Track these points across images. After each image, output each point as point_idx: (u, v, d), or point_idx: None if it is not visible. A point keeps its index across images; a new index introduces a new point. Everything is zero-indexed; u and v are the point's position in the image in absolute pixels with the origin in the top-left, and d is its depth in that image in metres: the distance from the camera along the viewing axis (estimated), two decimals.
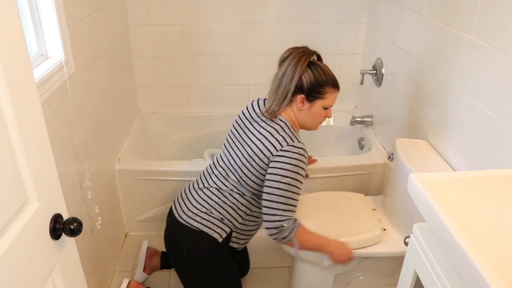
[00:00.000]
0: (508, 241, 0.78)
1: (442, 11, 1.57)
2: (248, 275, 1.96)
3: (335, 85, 1.48)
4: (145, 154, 2.32)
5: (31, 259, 0.79)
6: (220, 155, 1.62)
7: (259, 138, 1.47)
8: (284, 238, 1.43)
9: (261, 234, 2.22)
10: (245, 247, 1.92)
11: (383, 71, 2.20)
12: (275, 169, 1.41)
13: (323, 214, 1.73)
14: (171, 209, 1.62)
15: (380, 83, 2.24)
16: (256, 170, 1.46)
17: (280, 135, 1.44)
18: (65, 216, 0.91)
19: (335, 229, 1.65)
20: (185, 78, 2.56)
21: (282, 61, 1.48)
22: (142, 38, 2.42)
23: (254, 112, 1.56)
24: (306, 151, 1.44)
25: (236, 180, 1.52)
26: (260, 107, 1.56)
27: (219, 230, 1.50)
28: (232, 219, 1.53)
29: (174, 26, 2.40)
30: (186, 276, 1.59)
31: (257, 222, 1.61)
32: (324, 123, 2.66)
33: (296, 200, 1.44)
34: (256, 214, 1.57)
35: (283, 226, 1.42)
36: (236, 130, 1.57)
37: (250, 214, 1.56)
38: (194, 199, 1.56)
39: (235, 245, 1.57)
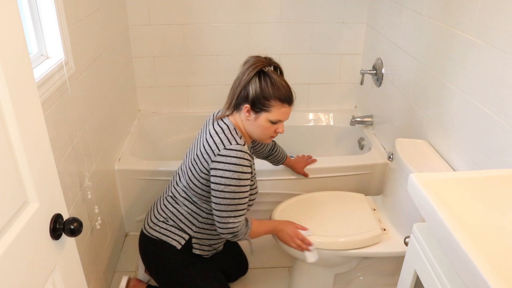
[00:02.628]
0: (508, 241, 0.78)
1: (442, 11, 1.57)
2: (248, 275, 1.96)
3: (284, 99, 1.40)
4: (145, 154, 2.32)
5: (31, 259, 0.79)
6: (180, 166, 1.63)
7: (203, 140, 1.46)
8: (239, 239, 1.49)
9: None
10: (239, 247, 1.92)
11: (383, 71, 2.20)
12: (216, 177, 1.38)
13: (323, 214, 1.73)
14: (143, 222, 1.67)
15: (380, 83, 2.24)
16: (197, 173, 1.45)
17: (219, 137, 1.41)
18: (65, 216, 0.91)
19: (335, 229, 1.65)
20: (185, 78, 2.56)
21: (241, 67, 1.45)
22: (142, 38, 2.42)
23: (211, 118, 1.54)
24: (245, 152, 1.39)
25: (185, 185, 1.52)
26: (216, 115, 1.54)
27: (176, 238, 1.52)
28: (185, 227, 1.53)
29: (174, 26, 2.40)
30: (160, 284, 1.64)
31: (214, 231, 1.57)
32: (324, 123, 2.67)
33: (245, 203, 1.43)
34: (210, 222, 1.54)
35: (237, 232, 1.45)
36: (195, 138, 1.57)
37: (203, 222, 1.54)
38: (157, 210, 1.59)
39: (198, 252, 1.56)
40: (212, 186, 1.40)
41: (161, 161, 2.16)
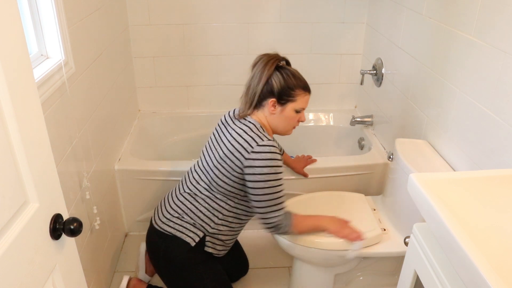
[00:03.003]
0: (508, 241, 0.78)
1: (442, 11, 1.57)
2: (248, 275, 1.96)
3: (305, 87, 1.49)
4: (145, 154, 2.32)
5: (31, 259, 0.79)
6: (198, 161, 1.63)
7: (229, 139, 1.48)
8: (284, 232, 1.51)
9: (261, 234, 2.22)
10: (240, 247, 1.92)
11: (383, 71, 2.20)
12: (254, 175, 1.41)
13: (323, 214, 1.72)
14: (152, 215, 1.66)
15: (380, 83, 2.24)
16: (227, 171, 1.46)
17: (249, 135, 1.44)
18: (65, 216, 0.91)
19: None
20: (185, 78, 2.56)
21: (253, 66, 1.50)
22: (142, 38, 2.42)
23: (229, 118, 1.57)
24: (276, 147, 1.45)
25: (207, 183, 1.53)
26: (235, 114, 1.57)
27: (191, 234, 1.52)
28: (204, 224, 1.53)
29: (174, 26, 2.40)
30: (167, 281, 1.63)
31: (232, 228, 1.59)
32: (324, 123, 2.67)
33: (283, 195, 1.47)
34: (229, 219, 1.56)
35: (280, 224, 1.47)
36: (213, 136, 1.59)
37: (223, 219, 1.54)
38: (170, 205, 1.59)
39: (210, 250, 1.56)
40: (250, 184, 1.43)
41: (161, 161, 2.16)
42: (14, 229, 0.74)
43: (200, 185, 1.55)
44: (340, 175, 2.10)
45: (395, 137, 1.83)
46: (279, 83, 1.45)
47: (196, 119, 2.63)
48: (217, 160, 1.49)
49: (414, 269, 0.99)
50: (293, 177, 2.06)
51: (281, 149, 1.89)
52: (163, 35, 2.42)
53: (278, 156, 1.43)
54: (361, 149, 2.42)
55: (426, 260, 0.92)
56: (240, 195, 1.52)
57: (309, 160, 2.06)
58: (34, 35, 1.37)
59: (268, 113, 1.49)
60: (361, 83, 2.39)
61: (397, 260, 1.77)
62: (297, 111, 1.50)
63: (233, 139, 1.46)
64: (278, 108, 1.48)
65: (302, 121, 1.55)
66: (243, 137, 1.44)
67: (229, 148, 1.46)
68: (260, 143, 1.41)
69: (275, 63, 1.46)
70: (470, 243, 0.72)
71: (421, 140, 1.73)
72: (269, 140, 1.44)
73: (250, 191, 1.45)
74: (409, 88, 1.88)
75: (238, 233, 1.66)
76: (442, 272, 0.86)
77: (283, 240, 1.63)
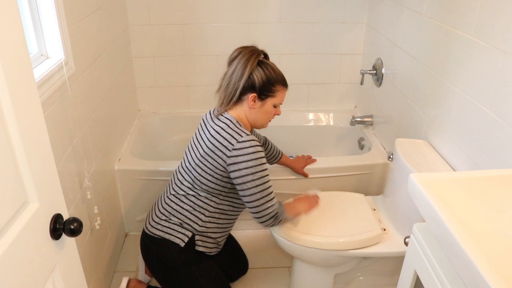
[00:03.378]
0: (508, 241, 0.78)
1: (442, 11, 1.57)
2: (248, 275, 1.96)
3: (284, 83, 1.51)
4: (145, 154, 2.32)
5: (31, 259, 0.79)
6: (181, 162, 1.64)
7: (208, 138, 1.48)
8: (281, 220, 1.52)
9: (261, 234, 2.22)
10: (239, 246, 1.92)
11: (383, 71, 2.20)
12: (239, 171, 1.41)
13: (323, 214, 1.73)
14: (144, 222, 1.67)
15: (380, 83, 2.24)
16: (210, 169, 1.47)
17: (227, 132, 1.44)
18: (65, 216, 0.91)
19: (335, 229, 1.65)
20: (185, 78, 2.56)
21: (231, 61, 1.48)
22: (142, 38, 2.42)
23: (209, 116, 1.58)
24: (256, 140, 1.45)
25: (191, 181, 1.53)
26: (215, 113, 1.57)
27: (179, 235, 1.52)
28: (191, 223, 1.53)
29: (174, 26, 2.40)
30: (164, 284, 1.63)
31: (220, 225, 1.59)
32: (324, 123, 2.67)
33: (271, 185, 1.48)
34: (216, 215, 1.56)
35: (276, 213, 1.49)
36: (195, 135, 1.59)
37: (210, 216, 1.55)
38: (158, 209, 1.60)
39: (202, 249, 1.56)
40: (238, 180, 1.43)
41: (161, 161, 2.16)
42: (14, 229, 0.74)
43: (184, 185, 1.55)
44: (340, 175, 2.10)
45: (395, 137, 1.83)
46: (261, 78, 1.45)
47: (196, 119, 2.61)
48: (198, 159, 1.50)
49: (414, 269, 0.99)
50: (293, 177, 2.06)
51: (263, 141, 1.90)
52: (163, 35, 2.42)
53: (259, 148, 1.44)
54: (361, 149, 2.42)
55: (426, 260, 0.92)
56: (224, 191, 1.53)
57: (309, 160, 2.06)
58: (34, 35, 1.37)
59: (247, 107, 1.50)
60: (361, 83, 2.39)
61: (397, 260, 1.77)
62: (275, 106, 1.52)
63: (212, 137, 1.47)
64: (258, 103, 1.49)
65: (278, 115, 1.57)
66: (222, 134, 1.45)
67: (209, 147, 1.46)
68: (239, 140, 1.42)
69: (257, 58, 1.46)
70: (470, 243, 0.72)
71: (421, 140, 1.73)
72: (248, 135, 1.44)
73: (240, 187, 1.45)
74: (409, 88, 1.88)
75: (229, 230, 1.66)
76: (442, 272, 0.86)
77: (283, 240, 1.63)
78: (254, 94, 1.46)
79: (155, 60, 2.49)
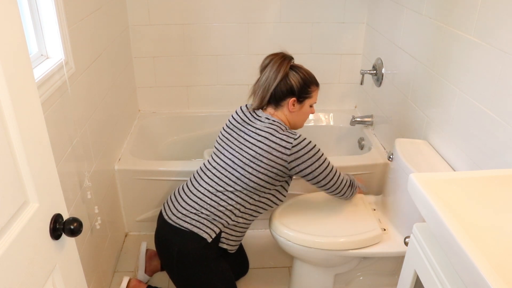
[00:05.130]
0: (508, 241, 0.78)
1: (442, 11, 1.57)
2: (248, 275, 1.96)
3: (317, 83, 1.62)
4: (145, 154, 2.32)
5: (31, 259, 0.79)
6: (212, 157, 1.63)
7: (259, 139, 1.50)
8: (355, 188, 1.70)
9: (261, 234, 2.22)
10: (242, 247, 1.92)
11: (383, 71, 2.20)
12: (305, 163, 1.49)
13: (323, 214, 1.73)
14: (161, 211, 1.64)
15: (380, 83, 2.24)
16: (265, 169, 1.49)
17: (280, 134, 1.50)
18: (65, 216, 0.91)
19: (335, 229, 1.65)
20: (185, 78, 2.56)
21: (263, 68, 1.56)
22: (142, 38, 2.42)
23: (245, 116, 1.60)
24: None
25: (234, 179, 1.52)
26: (250, 111, 1.62)
27: (208, 230, 1.52)
28: (224, 217, 1.53)
29: (174, 26, 2.40)
30: (177, 277, 1.61)
31: (248, 221, 1.60)
32: (324, 123, 2.67)
33: (334, 165, 1.59)
34: (249, 212, 1.57)
35: (351, 181, 1.66)
36: (229, 134, 1.60)
37: (244, 212, 1.56)
38: (184, 200, 1.57)
39: (224, 246, 1.57)
40: (310, 175, 1.52)
41: (161, 161, 2.16)
42: (14, 229, 0.74)
43: (223, 181, 1.54)
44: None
45: (395, 137, 1.83)
46: (298, 82, 1.54)
47: (196, 119, 2.63)
48: (248, 159, 1.50)
49: (414, 269, 0.99)
50: (294, 177, 2.05)
51: None
52: (163, 35, 2.42)
53: (312, 141, 1.54)
54: (361, 149, 2.42)
55: (426, 260, 0.92)
56: (268, 189, 1.55)
57: None
58: (34, 35, 1.37)
59: (288, 111, 1.58)
60: (361, 83, 2.39)
61: (397, 260, 1.77)
62: (310, 106, 1.62)
63: (265, 139, 1.50)
64: (297, 106, 1.57)
65: (313, 113, 1.67)
66: (276, 136, 1.49)
67: (264, 148, 1.49)
68: (295, 137, 1.49)
69: (289, 63, 1.55)
70: (470, 243, 0.72)
71: (421, 140, 1.73)
72: (299, 134, 1.53)
73: (311, 177, 1.54)
74: (409, 88, 1.88)
75: (249, 227, 1.67)
76: (442, 272, 0.86)
77: (283, 240, 1.63)
78: (294, 98, 1.55)
79: (155, 60, 2.49)
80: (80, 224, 0.88)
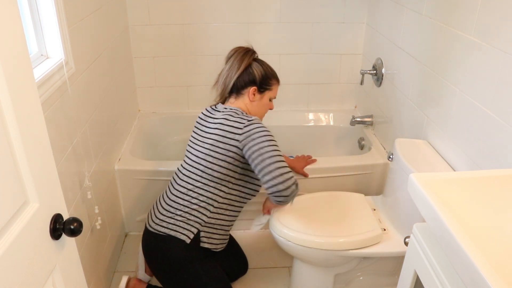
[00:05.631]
0: (508, 241, 0.78)
1: (442, 11, 1.57)
2: (248, 275, 1.96)
3: (278, 78, 1.66)
4: (145, 154, 2.32)
5: (31, 259, 0.79)
6: (184, 160, 1.66)
7: (215, 127, 1.54)
8: (297, 186, 1.51)
9: (261, 233, 2.22)
10: (239, 246, 1.92)
11: (383, 71, 2.20)
12: (255, 141, 1.46)
13: (323, 214, 1.73)
14: (145, 221, 1.67)
15: (380, 83, 2.24)
16: (222, 154, 1.50)
17: (235, 118, 1.53)
18: (65, 216, 0.91)
19: (335, 229, 1.65)
20: (185, 78, 2.56)
21: (228, 58, 1.62)
22: (142, 38, 2.42)
23: (207, 112, 1.66)
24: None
25: (199, 173, 1.54)
26: (211, 107, 1.68)
27: (185, 232, 1.53)
28: (199, 215, 1.54)
29: (174, 26, 2.40)
30: (167, 282, 1.63)
31: (225, 217, 1.60)
32: (324, 123, 2.67)
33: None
34: (224, 207, 1.57)
35: (295, 181, 1.49)
36: (194, 134, 1.65)
37: (218, 207, 1.56)
38: (162, 206, 1.60)
39: (206, 245, 1.57)
40: (256, 153, 1.46)
41: (161, 161, 2.16)
42: (14, 229, 0.74)
43: (191, 178, 1.56)
44: (340, 175, 2.10)
45: (395, 137, 1.83)
46: (260, 72, 1.59)
47: (196, 119, 2.62)
48: (207, 149, 1.53)
49: (414, 269, 0.99)
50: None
51: None
52: (163, 35, 2.42)
53: (268, 130, 1.51)
54: (361, 149, 2.42)
55: (426, 260, 0.92)
56: (234, 178, 1.55)
57: (309, 160, 2.06)
58: (34, 35, 1.37)
59: (248, 100, 1.61)
60: (361, 83, 2.39)
61: (397, 260, 1.77)
62: (270, 99, 1.65)
63: (220, 124, 1.53)
64: (258, 95, 1.61)
65: (271, 109, 1.69)
66: (230, 120, 1.53)
67: (219, 133, 1.51)
68: (249, 119, 1.51)
69: (253, 55, 1.60)
70: (470, 243, 0.72)
71: (421, 140, 1.73)
72: (255, 118, 1.54)
73: (258, 159, 1.45)
74: (409, 88, 1.88)
75: (232, 224, 1.66)
76: (442, 272, 0.86)
77: (283, 240, 1.63)
78: (255, 87, 1.59)
79: (155, 60, 2.49)
80: (80, 224, 0.88)
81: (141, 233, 2.19)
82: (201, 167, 1.54)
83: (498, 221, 0.83)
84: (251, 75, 1.58)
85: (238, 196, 1.60)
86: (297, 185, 1.50)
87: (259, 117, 1.64)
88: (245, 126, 1.49)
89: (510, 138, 1.19)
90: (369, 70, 2.30)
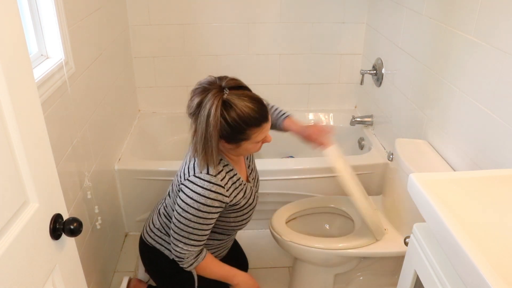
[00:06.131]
0: (508, 241, 0.78)
1: (442, 11, 1.57)
2: None
3: (259, 123, 1.25)
4: (145, 154, 2.32)
5: (31, 259, 0.79)
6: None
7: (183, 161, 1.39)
8: (184, 267, 1.38)
9: (261, 234, 2.22)
10: (240, 247, 1.92)
11: (383, 71, 2.20)
12: (179, 199, 1.30)
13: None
14: None
15: (380, 83, 2.24)
16: (174, 196, 1.38)
17: (193, 163, 1.31)
18: (65, 216, 0.91)
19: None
20: (185, 78, 2.55)
21: (192, 114, 1.28)
22: (142, 38, 2.42)
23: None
24: (216, 184, 1.28)
25: (170, 202, 1.46)
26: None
27: (169, 247, 1.44)
28: None
29: (174, 26, 2.40)
30: (159, 285, 1.63)
31: (212, 245, 1.49)
32: (324, 123, 2.67)
33: (200, 235, 1.32)
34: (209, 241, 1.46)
35: (182, 259, 1.36)
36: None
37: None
38: (155, 215, 1.56)
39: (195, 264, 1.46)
40: (175, 206, 1.33)
41: (161, 161, 2.16)
42: (14, 229, 0.74)
43: (171, 199, 1.46)
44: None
45: (395, 137, 1.83)
46: (225, 130, 1.22)
47: None
48: (174, 184, 1.42)
49: (414, 269, 0.99)
50: (294, 176, 2.06)
51: (270, 106, 1.56)
52: (163, 35, 2.42)
53: (211, 195, 1.27)
54: (361, 149, 2.42)
55: (426, 260, 0.92)
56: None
57: (326, 129, 1.57)
58: (34, 35, 1.37)
59: (224, 149, 1.33)
60: (361, 83, 2.39)
61: (397, 260, 1.77)
62: (257, 142, 1.30)
63: (181, 168, 1.37)
64: (233, 144, 1.29)
65: (267, 142, 1.35)
66: (189, 164, 1.33)
67: (178, 174, 1.38)
68: (197, 174, 1.27)
69: (220, 103, 1.19)
70: (470, 243, 0.72)
71: (421, 140, 1.73)
72: (208, 174, 1.27)
73: (174, 212, 1.34)
74: (409, 88, 1.88)
75: (224, 246, 1.56)
76: (442, 272, 0.86)
77: (283, 240, 1.63)
78: (223, 141, 1.27)
79: (155, 60, 2.49)
80: (80, 224, 0.88)
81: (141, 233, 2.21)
82: (170, 198, 1.45)
83: (498, 221, 0.83)
84: (216, 129, 1.21)
85: (221, 234, 1.48)
86: (179, 258, 1.35)
87: (248, 154, 1.40)
88: (187, 179, 1.28)
89: (510, 138, 1.19)
90: (369, 70, 2.30)
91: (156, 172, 2.06)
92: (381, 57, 2.22)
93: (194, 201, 1.27)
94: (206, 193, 1.27)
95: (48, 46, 1.41)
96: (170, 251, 1.41)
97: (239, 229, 1.52)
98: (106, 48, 1.91)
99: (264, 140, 1.33)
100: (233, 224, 1.45)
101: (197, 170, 1.29)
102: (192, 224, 1.30)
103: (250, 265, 1.97)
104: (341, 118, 2.64)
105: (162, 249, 1.49)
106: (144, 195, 2.11)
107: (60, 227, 0.87)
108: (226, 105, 1.21)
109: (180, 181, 1.33)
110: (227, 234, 1.50)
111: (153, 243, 1.51)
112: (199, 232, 1.32)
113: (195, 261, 1.37)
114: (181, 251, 1.35)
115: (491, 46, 1.27)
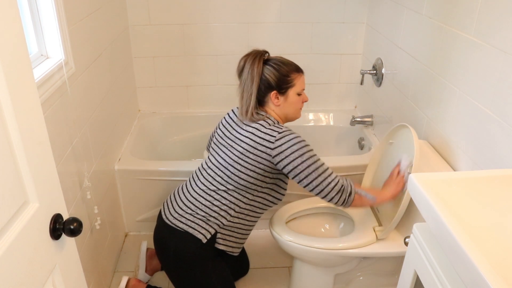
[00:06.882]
0: (508, 241, 0.78)
1: (442, 11, 1.57)
2: (248, 275, 1.96)
3: (298, 69, 1.55)
4: (145, 154, 2.32)
5: (31, 259, 0.79)
6: (208, 157, 1.63)
7: (246, 135, 1.50)
8: (351, 193, 1.48)
9: (261, 233, 2.22)
10: (242, 248, 1.92)
11: (383, 71, 2.20)
12: (287, 158, 1.42)
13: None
14: (160, 211, 1.64)
15: (380, 83, 2.24)
16: (252, 165, 1.47)
17: (265, 130, 1.47)
18: (65, 216, 0.91)
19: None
20: (185, 78, 2.56)
21: (240, 72, 1.53)
22: (142, 38, 2.42)
23: (235, 117, 1.60)
24: (292, 131, 1.48)
25: (225, 177, 1.52)
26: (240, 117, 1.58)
27: (203, 231, 1.51)
28: (218, 217, 1.52)
29: (174, 26, 2.40)
30: (174, 277, 1.62)
31: (246, 222, 1.59)
32: (324, 123, 2.67)
33: (324, 163, 1.47)
34: (245, 212, 1.56)
35: (342, 185, 1.47)
36: (222, 134, 1.60)
37: (239, 212, 1.55)
38: (181, 200, 1.58)
39: (222, 247, 1.56)
40: (292, 171, 1.44)
41: (161, 161, 2.17)
42: (14, 229, 0.74)
43: (216, 180, 1.54)
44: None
45: None
46: (273, 75, 1.49)
47: (196, 119, 2.63)
48: (237, 156, 1.49)
49: (414, 269, 0.99)
50: None
51: None
52: (163, 35, 2.42)
53: (299, 135, 1.47)
54: (361, 149, 2.42)
55: (426, 260, 0.92)
56: (260, 187, 1.53)
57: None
58: (34, 35, 1.37)
59: (274, 106, 1.54)
60: (361, 83, 2.39)
61: (397, 260, 1.77)
62: (299, 94, 1.56)
63: (251, 134, 1.48)
64: (281, 98, 1.53)
65: (306, 101, 1.61)
66: (261, 131, 1.47)
67: (250, 143, 1.47)
68: (280, 131, 1.45)
69: (261, 59, 1.50)
70: (470, 243, 0.72)
71: (421, 140, 1.73)
72: (284, 127, 1.48)
73: (297, 177, 1.44)
74: (409, 88, 1.88)
75: (251, 229, 1.65)
76: (442, 272, 0.86)
77: (283, 240, 1.63)
78: (274, 92, 1.51)
79: (155, 60, 2.49)
80: (80, 224, 0.88)
81: (141, 233, 2.22)
82: (228, 172, 1.51)
83: (498, 221, 0.83)
84: (266, 82, 1.50)
85: (262, 203, 1.58)
86: (343, 190, 1.46)
87: (294, 116, 1.60)
88: (276, 140, 1.44)
89: (510, 138, 1.19)
90: (369, 70, 2.30)
91: (156, 172, 2.06)
92: (381, 57, 2.22)
93: (297, 143, 1.43)
94: (296, 135, 1.46)
95: (48, 46, 1.41)
96: (326, 198, 1.47)
97: (271, 207, 1.61)
98: (106, 48, 1.91)
99: (303, 98, 1.58)
100: (270, 198, 1.57)
101: (275, 131, 1.45)
102: (315, 158, 1.45)
103: (250, 265, 1.97)
104: (341, 118, 2.64)
105: (195, 233, 1.51)
106: (144, 195, 2.11)
107: (60, 227, 0.87)
108: (267, 61, 1.52)
109: (258, 155, 1.45)
110: (259, 212, 1.60)
111: (185, 227, 1.52)
112: (321, 162, 1.46)
113: (349, 180, 1.50)
114: (334, 184, 1.45)
115: (491, 46, 1.27)
